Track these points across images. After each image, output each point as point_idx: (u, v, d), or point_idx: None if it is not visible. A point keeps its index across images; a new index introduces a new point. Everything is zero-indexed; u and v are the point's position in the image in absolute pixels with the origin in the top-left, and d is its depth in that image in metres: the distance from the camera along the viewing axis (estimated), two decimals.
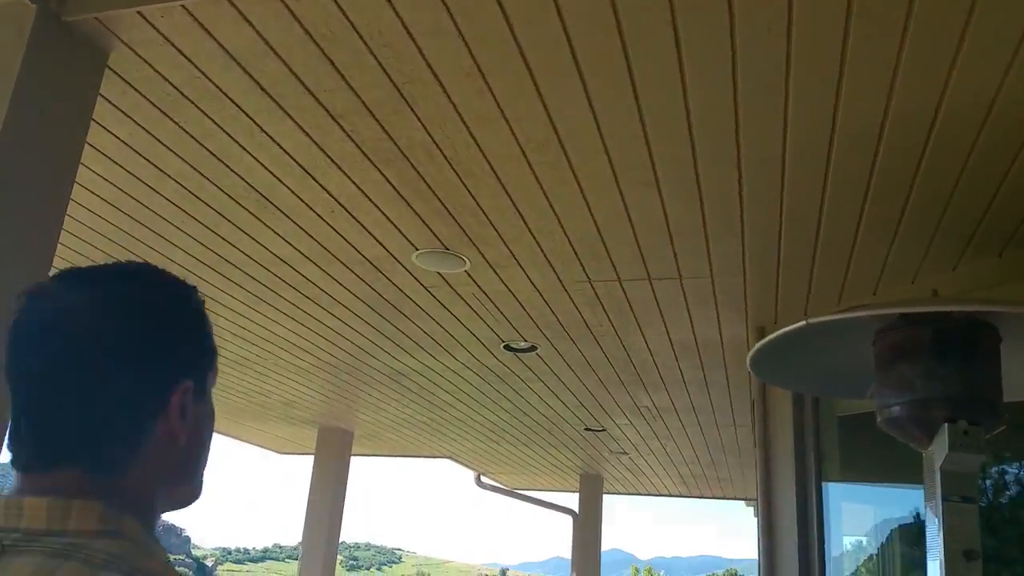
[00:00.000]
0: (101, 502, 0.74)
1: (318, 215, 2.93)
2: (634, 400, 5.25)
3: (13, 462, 0.77)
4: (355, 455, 8.31)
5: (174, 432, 0.80)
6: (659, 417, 5.68)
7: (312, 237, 3.13)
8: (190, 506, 0.86)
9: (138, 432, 0.78)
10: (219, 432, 7.49)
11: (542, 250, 3.09)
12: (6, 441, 0.79)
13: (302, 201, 2.83)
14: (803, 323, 2.17)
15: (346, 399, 6.00)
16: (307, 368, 5.15)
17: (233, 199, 2.85)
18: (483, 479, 9.14)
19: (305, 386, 5.65)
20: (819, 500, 3.24)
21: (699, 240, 2.92)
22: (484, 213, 2.82)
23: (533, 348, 4.31)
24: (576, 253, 3.10)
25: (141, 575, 0.71)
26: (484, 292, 3.56)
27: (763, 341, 2.34)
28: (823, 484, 3.27)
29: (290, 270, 3.48)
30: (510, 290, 3.51)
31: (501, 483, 9.42)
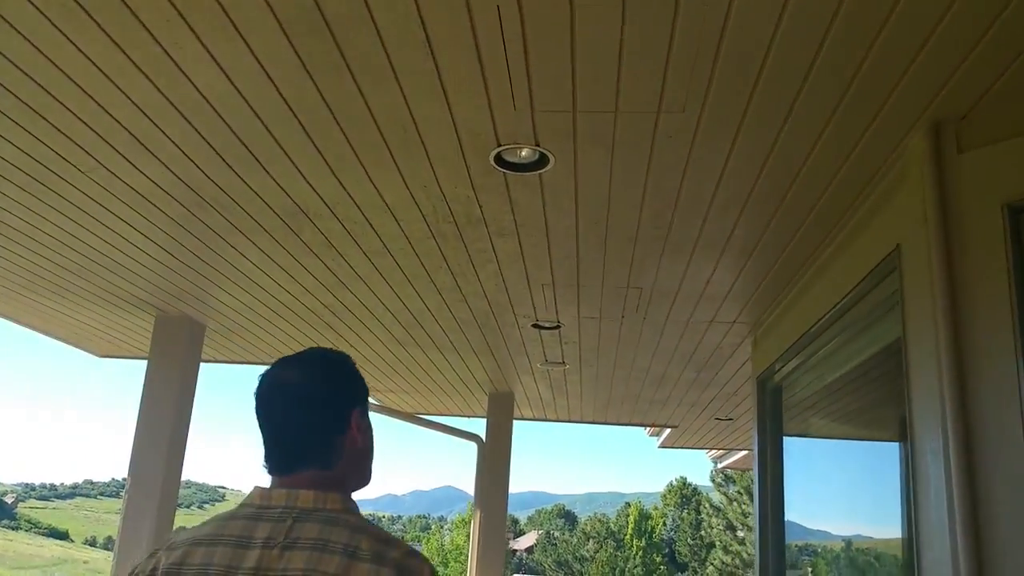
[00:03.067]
0: (339, 493, 1.39)
1: None
2: (631, 275, 3.80)
3: (268, 469, 1.44)
4: (204, 361, 6.45)
5: (355, 439, 1.47)
6: (645, 307, 4.28)
7: None
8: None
9: (338, 444, 1.45)
10: (8, 318, 5.41)
11: None
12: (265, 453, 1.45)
13: None
14: None
15: (202, 263, 4.16)
16: (151, 196, 3.30)
17: None
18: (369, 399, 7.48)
19: (143, 234, 3.77)
20: None
21: None
22: None
23: (542, 161, 2.72)
24: None
25: (374, 534, 1.32)
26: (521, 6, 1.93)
27: None
28: None
29: None
30: None
31: (384, 403, 7.81)
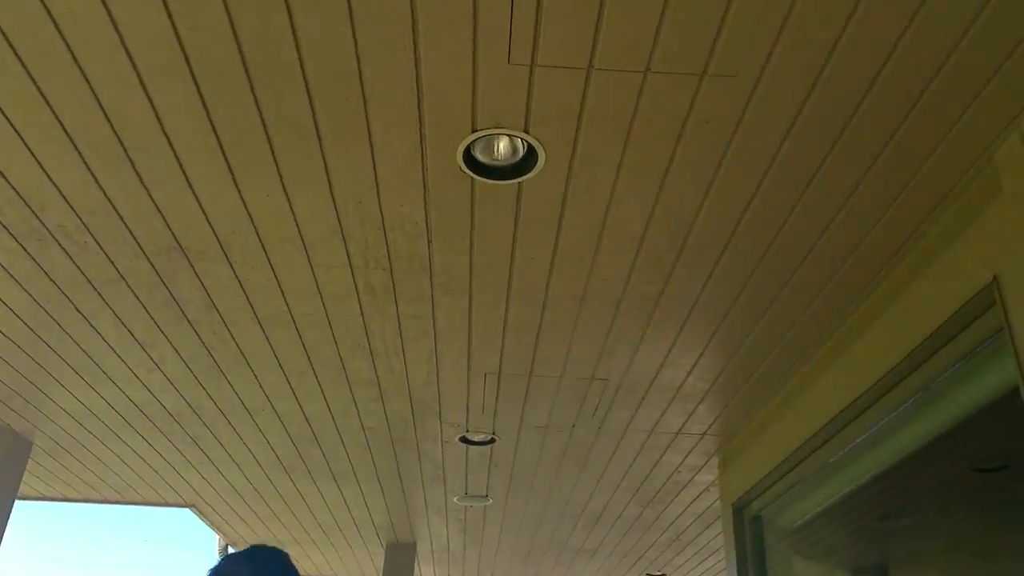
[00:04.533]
0: None
1: None
2: (600, 359, 3.05)
3: None
4: (24, 498, 5.14)
5: None
6: (605, 409, 3.51)
7: None
8: None
9: None
10: None
11: None
12: None
13: None
14: None
15: (35, 339, 3.13)
16: None
17: None
18: (232, 550, 6.14)
19: None
20: None
21: None
22: None
23: (526, 161, 2.02)
24: None
25: None
26: None
27: None
28: None
29: None
30: None
31: None
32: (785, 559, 3.63)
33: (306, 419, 3.75)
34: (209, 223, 2.33)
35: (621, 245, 2.35)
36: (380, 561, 6.46)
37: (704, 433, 3.76)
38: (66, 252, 2.50)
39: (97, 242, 2.45)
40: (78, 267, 2.58)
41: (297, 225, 2.32)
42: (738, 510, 3.69)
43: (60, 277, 2.64)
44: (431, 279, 2.56)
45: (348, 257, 2.47)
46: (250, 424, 3.83)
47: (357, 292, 2.66)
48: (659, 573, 6.66)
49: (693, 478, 4.37)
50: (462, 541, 5.94)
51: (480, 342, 2.95)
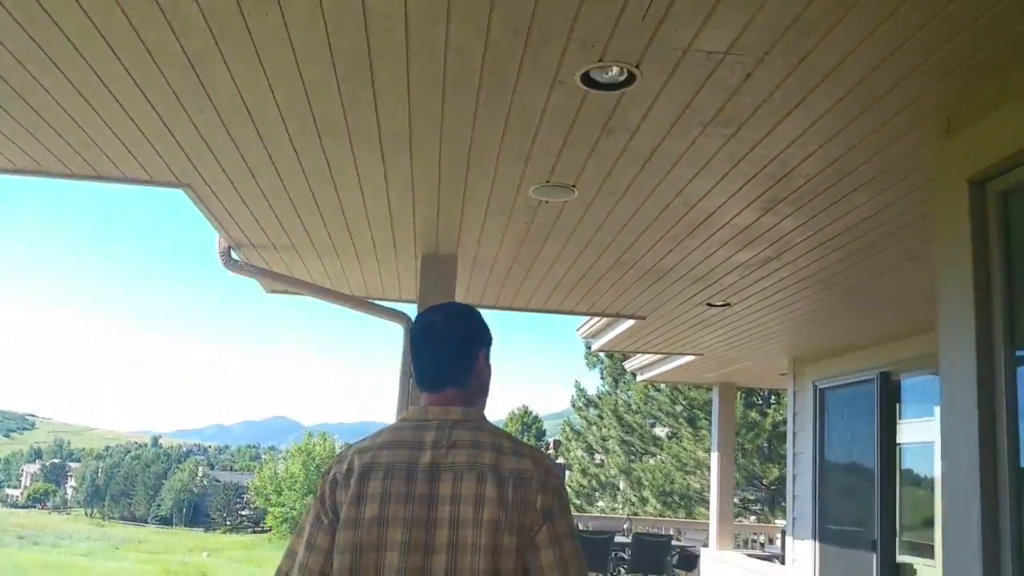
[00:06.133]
0: (477, 408, 1.85)
1: None
2: None
3: (420, 388, 1.85)
4: None
5: (481, 371, 1.88)
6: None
7: None
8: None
9: (470, 371, 1.85)
10: None
11: None
12: (416, 376, 1.86)
13: None
14: None
15: None
16: None
17: None
18: (235, 255, 5.14)
19: None
20: None
21: None
22: None
23: None
24: None
25: (508, 436, 1.79)
26: None
27: None
28: None
29: None
30: None
31: (263, 265, 5.48)
32: None
33: (365, 24, 2.49)
34: None
35: None
36: (410, 279, 5.57)
37: (944, 76, 2.61)
38: None
39: None
40: None
41: None
42: (978, 184, 2.66)
43: None
44: None
45: None
46: (277, 32, 2.57)
47: None
48: (723, 303, 5.89)
49: (864, 163, 3.31)
50: (513, 255, 4.97)
51: None
